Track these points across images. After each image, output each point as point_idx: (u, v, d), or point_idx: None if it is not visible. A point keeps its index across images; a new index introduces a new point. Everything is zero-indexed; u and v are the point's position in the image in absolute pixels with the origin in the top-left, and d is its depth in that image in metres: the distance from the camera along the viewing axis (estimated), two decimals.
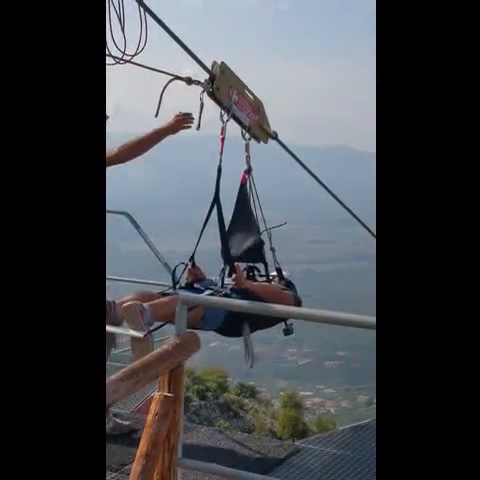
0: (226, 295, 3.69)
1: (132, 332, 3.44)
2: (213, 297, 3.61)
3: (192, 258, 3.95)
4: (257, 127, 4.14)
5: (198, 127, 3.84)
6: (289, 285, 4.18)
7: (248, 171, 4.07)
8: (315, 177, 4.77)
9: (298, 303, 4.05)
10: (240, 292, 3.72)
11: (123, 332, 3.61)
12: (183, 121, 3.83)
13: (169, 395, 2.51)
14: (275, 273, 4.21)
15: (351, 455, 4.53)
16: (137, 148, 3.85)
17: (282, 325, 3.94)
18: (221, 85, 3.80)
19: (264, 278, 4.09)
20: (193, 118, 3.84)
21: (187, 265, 3.93)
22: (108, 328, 3.43)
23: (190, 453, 2.93)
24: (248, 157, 4.08)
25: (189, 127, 3.84)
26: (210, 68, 3.80)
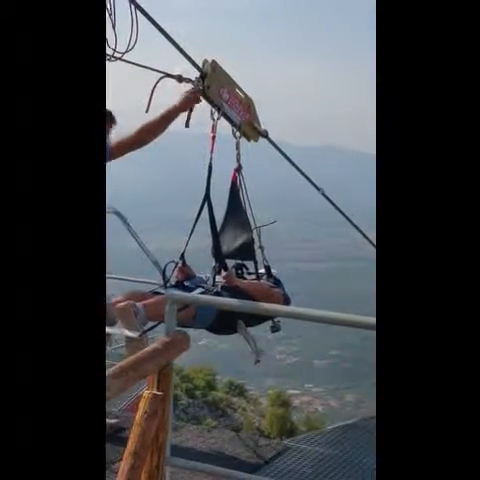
0: (217, 293, 3.69)
1: (127, 332, 3.44)
2: (204, 295, 3.60)
3: (182, 256, 3.94)
4: (247, 125, 4.12)
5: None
6: (277, 283, 4.18)
7: (238, 169, 4.05)
8: (304, 175, 4.76)
9: (287, 301, 4.05)
10: (230, 290, 3.72)
11: (118, 332, 3.62)
12: (191, 98, 3.76)
13: (158, 393, 2.50)
14: (263, 271, 4.21)
15: (339, 454, 4.53)
16: (158, 127, 3.74)
17: (269, 322, 3.94)
18: (212, 83, 3.78)
19: (252, 276, 4.09)
20: (200, 94, 3.78)
21: (177, 263, 3.91)
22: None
23: (178, 452, 2.92)
24: (238, 155, 4.07)
25: (198, 102, 3.79)
26: (201, 66, 3.78)
